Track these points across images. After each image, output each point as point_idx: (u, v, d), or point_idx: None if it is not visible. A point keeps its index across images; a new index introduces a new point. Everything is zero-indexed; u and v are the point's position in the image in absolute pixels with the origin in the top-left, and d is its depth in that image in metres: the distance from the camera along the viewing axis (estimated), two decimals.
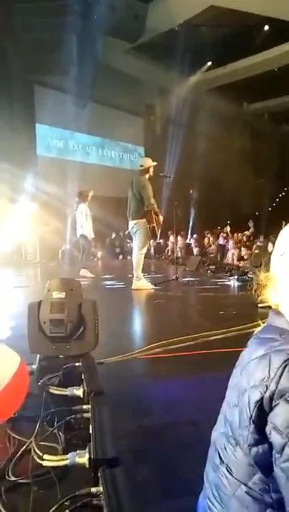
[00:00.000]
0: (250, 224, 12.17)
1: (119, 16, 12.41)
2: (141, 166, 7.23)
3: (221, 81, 16.39)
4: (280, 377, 0.75)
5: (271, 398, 0.76)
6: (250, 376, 0.81)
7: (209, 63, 15.97)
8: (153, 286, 7.01)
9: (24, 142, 13.63)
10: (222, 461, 0.89)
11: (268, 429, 0.76)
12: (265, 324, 0.92)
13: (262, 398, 0.77)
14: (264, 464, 0.79)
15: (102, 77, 13.41)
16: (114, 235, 14.92)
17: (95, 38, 12.73)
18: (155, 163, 7.20)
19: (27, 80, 13.72)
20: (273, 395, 0.75)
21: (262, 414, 0.77)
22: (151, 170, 7.11)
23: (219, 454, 0.90)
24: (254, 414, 0.78)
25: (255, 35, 14.02)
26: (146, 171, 7.03)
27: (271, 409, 0.76)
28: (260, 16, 12.61)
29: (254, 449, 0.80)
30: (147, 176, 7.01)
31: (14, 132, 13.12)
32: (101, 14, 12.09)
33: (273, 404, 0.75)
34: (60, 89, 13.92)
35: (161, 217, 6.99)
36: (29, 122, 14.47)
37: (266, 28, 13.60)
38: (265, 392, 0.76)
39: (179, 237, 12.35)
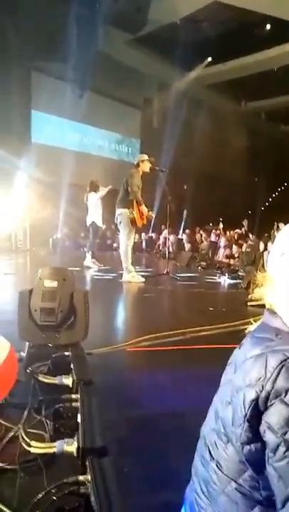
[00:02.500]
0: (244, 222, 12.20)
1: (122, 6, 12.30)
2: (136, 161, 7.26)
3: (220, 78, 16.37)
4: (277, 377, 0.76)
5: (267, 398, 0.76)
6: (245, 375, 0.82)
7: (209, 59, 15.92)
8: (143, 280, 6.98)
9: (19, 128, 13.50)
10: (212, 457, 0.89)
11: (262, 428, 0.77)
12: (260, 323, 0.93)
13: (257, 397, 0.77)
14: (256, 462, 0.80)
15: (101, 67, 13.30)
16: (104, 226, 14.83)
17: (96, 28, 12.61)
18: (146, 158, 7.14)
19: (25, 65, 13.55)
20: (269, 394, 0.76)
21: (257, 413, 0.78)
22: (146, 165, 7.07)
23: (209, 450, 0.91)
24: (249, 413, 0.79)
25: (257, 33, 13.99)
26: (138, 165, 7.02)
27: (266, 408, 0.76)
28: (262, 15, 12.59)
29: (246, 447, 0.80)
30: (140, 169, 6.98)
31: (9, 118, 12.97)
32: (103, 4, 11.97)
33: (268, 404, 0.76)
34: (58, 76, 13.78)
35: (144, 208, 6.92)
36: (25, 108, 14.31)
37: (268, 27, 13.58)
38: (261, 392, 0.77)
39: (170, 232, 12.36)
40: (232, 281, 7.50)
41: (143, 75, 16.43)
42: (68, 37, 12.30)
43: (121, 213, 6.85)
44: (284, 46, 14.05)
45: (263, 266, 6.74)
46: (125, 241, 6.90)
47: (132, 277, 6.88)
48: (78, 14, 12.11)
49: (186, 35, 13.19)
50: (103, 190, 8.86)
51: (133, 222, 6.82)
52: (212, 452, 0.90)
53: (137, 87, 16.66)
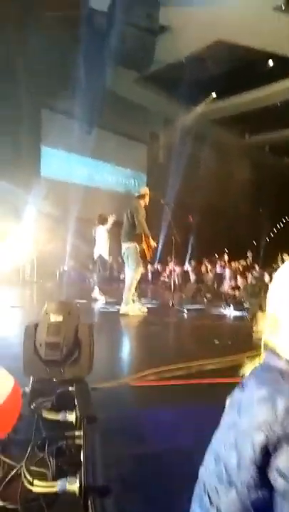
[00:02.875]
0: (248, 254, 12.23)
1: (129, 46, 12.76)
2: (137, 192, 7.41)
3: (224, 113, 16.76)
4: (286, 420, 0.75)
5: (276, 441, 0.75)
6: (252, 418, 0.80)
7: (213, 95, 16.35)
8: (142, 312, 6.91)
9: (29, 163, 13.81)
10: (211, 503, 0.86)
11: (271, 472, 0.76)
12: (263, 364, 0.91)
13: (267, 441, 0.76)
14: (262, 508, 0.78)
15: (109, 104, 13.70)
16: (111, 259, 14.92)
17: (104, 67, 13.05)
18: (147, 192, 7.30)
19: (35, 103, 14.00)
20: (279, 438, 0.75)
21: (266, 457, 0.76)
22: (147, 198, 7.21)
23: (209, 495, 0.87)
24: (258, 457, 0.77)
25: (260, 69, 14.41)
26: (142, 197, 7.15)
27: (276, 452, 0.75)
28: (265, 52, 13.00)
29: (253, 492, 0.78)
30: (142, 202, 7.10)
31: (19, 153, 13.31)
32: (111, 44, 12.44)
33: (278, 447, 0.75)
34: (67, 113, 14.19)
35: (152, 241, 6.99)
36: (35, 144, 14.70)
37: (270, 63, 14.00)
38: (270, 435, 0.76)
39: (176, 264, 12.39)
40: (237, 313, 7.46)
41: (149, 111, 16.87)
42: (77, 75, 12.74)
43: (128, 247, 6.90)
44: (287, 81, 14.44)
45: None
46: (132, 275, 6.91)
47: (131, 310, 6.83)
48: (87, 53, 12.57)
49: (191, 73, 13.61)
50: (109, 222, 8.93)
51: (142, 255, 6.86)
52: (212, 497, 0.86)
53: (143, 123, 17.08)
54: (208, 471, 0.91)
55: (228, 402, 0.94)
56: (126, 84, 14.82)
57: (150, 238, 6.94)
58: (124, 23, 11.01)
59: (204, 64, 14.17)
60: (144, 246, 6.82)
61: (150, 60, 14.17)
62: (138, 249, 6.81)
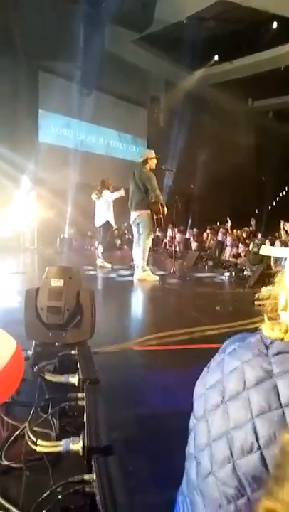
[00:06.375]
0: (252, 222, 12.16)
1: (128, 5, 12.30)
2: (141, 157, 7.22)
3: (227, 76, 16.35)
4: None
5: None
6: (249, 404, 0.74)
7: (216, 58, 15.89)
8: (157, 279, 6.98)
9: (26, 128, 13.55)
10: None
11: None
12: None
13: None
14: None
15: (107, 66, 13.33)
16: (116, 226, 14.86)
17: (102, 27, 12.65)
18: (154, 156, 7.13)
19: (32, 65, 13.61)
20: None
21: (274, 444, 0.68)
22: (153, 162, 7.06)
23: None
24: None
25: (263, 32, 13.95)
26: (146, 162, 7.00)
27: None
28: (269, 13, 12.55)
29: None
30: (148, 167, 6.97)
31: (17, 118, 13.04)
32: (110, 3, 11.98)
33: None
34: (65, 76, 13.83)
35: (165, 209, 6.97)
36: (32, 108, 14.38)
37: (275, 25, 13.52)
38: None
39: (177, 231, 12.34)
40: (239, 280, 7.47)
41: (149, 74, 16.45)
42: (75, 36, 12.34)
43: (140, 214, 6.85)
44: None
45: (269, 265, 6.71)
46: (145, 241, 6.92)
47: (148, 275, 6.91)
48: (84, 13, 12.14)
49: (193, 34, 13.19)
50: (117, 193, 8.70)
51: (159, 223, 6.84)
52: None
53: (143, 86, 16.68)
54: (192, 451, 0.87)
55: None
56: (126, 45, 14.41)
57: (165, 207, 6.89)
58: None
59: (206, 25, 13.70)
60: (161, 214, 6.79)
61: (150, 20, 13.71)
62: (150, 217, 6.76)
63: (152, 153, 7.16)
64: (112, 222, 8.95)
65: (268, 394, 0.71)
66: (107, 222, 8.85)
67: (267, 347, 0.79)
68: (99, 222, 8.92)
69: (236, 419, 0.75)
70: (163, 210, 6.83)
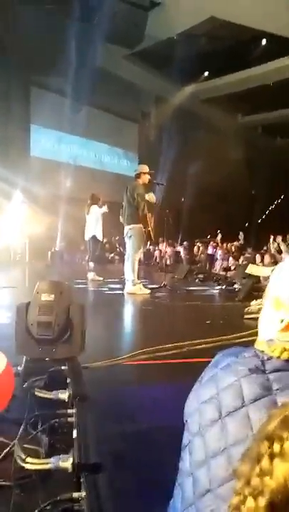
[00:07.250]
0: (240, 236, 12.25)
1: (119, 22, 12.48)
2: (135, 171, 7.33)
3: (217, 92, 16.58)
4: None
5: None
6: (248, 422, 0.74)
7: (206, 74, 16.13)
8: (148, 292, 7.02)
9: (18, 142, 13.61)
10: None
11: None
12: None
13: None
14: None
15: (99, 81, 13.47)
16: (105, 240, 14.89)
17: (94, 43, 12.79)
18: (147, 171, 7.22)
19: (24, 80, 13.73)
20: None
21: None
22: (147, 177, 7.13)
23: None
24: None
25: (253, 48, 14.21)
26: (139, 176, 7.07)
27: None
28: (258, 31, 12.79)
29: None
30: (141, 181, 7.03)
31: (8, 132, 13.10)
32: (102, 20, 12.15)
33: None
34: (57, 91, 13.95)
35: (152, 221, 7.04)
36: (24, 123, 14.46)
37: (264, 42, 13.79)
38: None
39: (168, 245, 12.39)
40: (229, 294, 7.51)
41: (141, 89, 16.63)
42: (67, 52, 12.46)
43: (132, 228, 6.91)
44: (279, 61, 14.27)
45: (259, 279, 6.76)
46: (134, 254, 6.97)
47: (139, 289, 6.93)
48: (77, 30, 12.28)
49: (183, 50, 13.38)
50: (104, 207, 8.83)
51: (148, 236, 6.92)
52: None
53: (134, 101, 16.86)
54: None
55: None
56: (117, 61, 14.57)
57: (152, 218, 6.97)
58: None
59: (197, 41, 13.92)
60: (149, 227, 6.87)
61: (142, 37, 13.92)
62: (142, 231, 6.85)
63: (146, 168, 7.24)
64: (99, 236, 9.05)
65: (268, 410, 0.71)
66: (94, 237, 8.97)
67: (263, 363, 0.81)
68: (87, 236, 9.08)
69: (236, 436, 0.75)
70: (150, 221, 6.90)
